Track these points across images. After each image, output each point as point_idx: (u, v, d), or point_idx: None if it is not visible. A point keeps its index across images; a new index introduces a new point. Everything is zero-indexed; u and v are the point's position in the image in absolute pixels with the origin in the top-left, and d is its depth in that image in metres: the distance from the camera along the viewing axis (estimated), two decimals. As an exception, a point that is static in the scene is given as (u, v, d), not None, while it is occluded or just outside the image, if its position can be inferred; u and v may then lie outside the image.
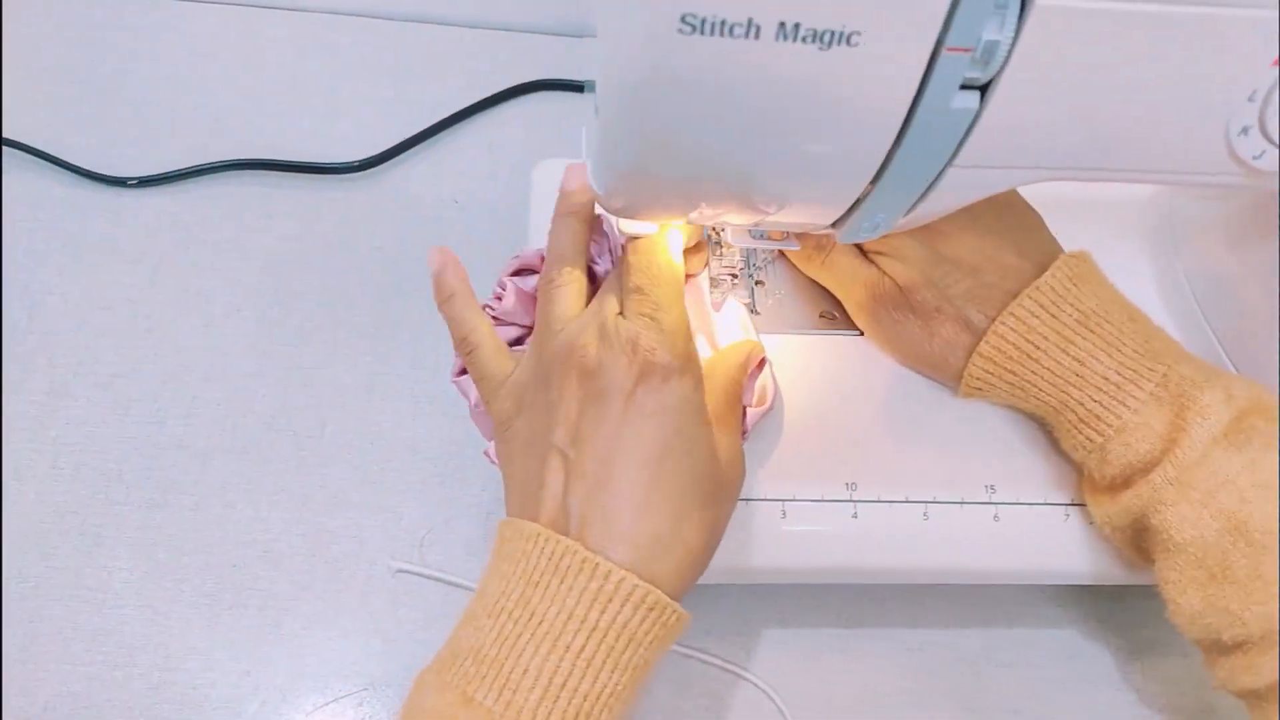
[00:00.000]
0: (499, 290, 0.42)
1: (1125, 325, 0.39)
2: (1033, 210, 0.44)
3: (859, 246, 0.45)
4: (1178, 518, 0.37)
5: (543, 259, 0.40)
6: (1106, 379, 0.38)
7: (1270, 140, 0.28)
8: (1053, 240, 0.43)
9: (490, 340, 0.39)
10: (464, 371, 0.41)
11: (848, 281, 0.45)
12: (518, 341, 0.42)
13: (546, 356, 0.36)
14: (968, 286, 0.42)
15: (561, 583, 0.32)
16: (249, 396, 0.53)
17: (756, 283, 0.48)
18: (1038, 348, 0.40)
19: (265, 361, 0.54)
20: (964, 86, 0.26)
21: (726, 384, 0.39)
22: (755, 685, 0.47)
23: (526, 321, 0.42)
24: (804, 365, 0.46)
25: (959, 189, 0.30)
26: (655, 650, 0.33)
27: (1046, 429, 0.43)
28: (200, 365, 0.53)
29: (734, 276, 0.45)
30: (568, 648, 0.31)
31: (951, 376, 0.44)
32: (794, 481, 0.43)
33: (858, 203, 0.31)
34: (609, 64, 0.26)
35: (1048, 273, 0.40)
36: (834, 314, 0.48)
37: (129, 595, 0.47)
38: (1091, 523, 0.43)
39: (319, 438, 0.52)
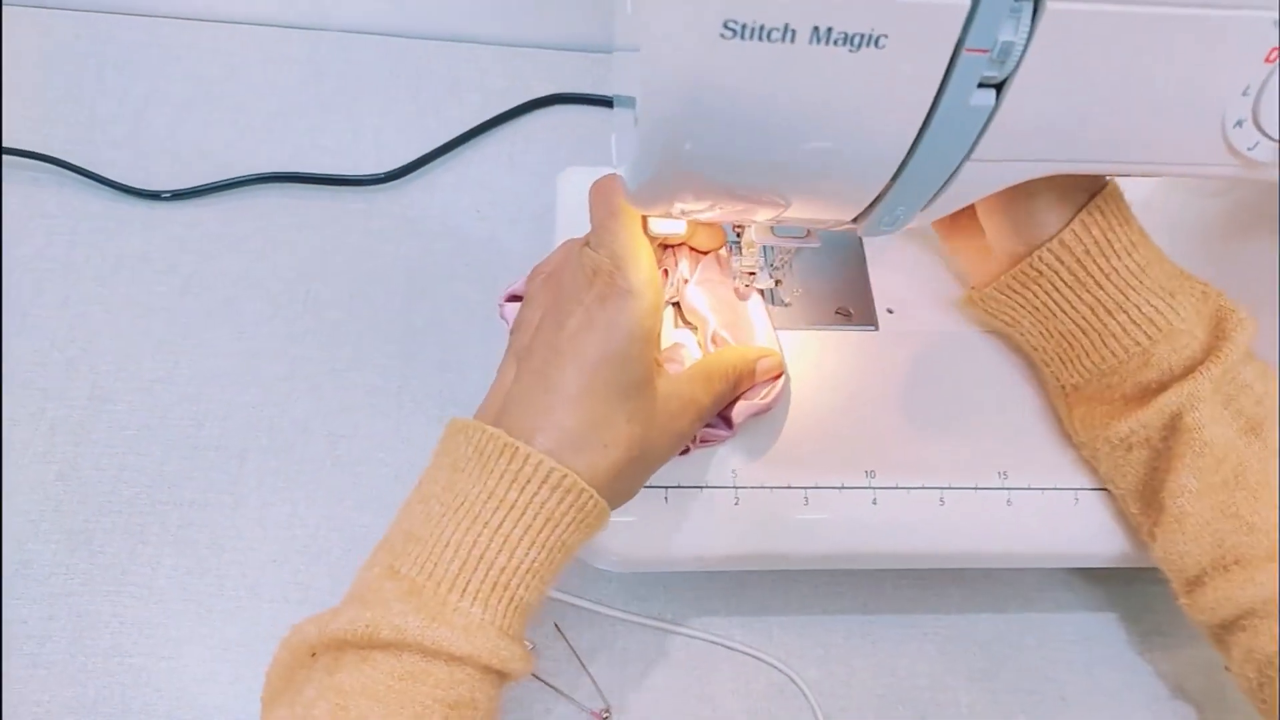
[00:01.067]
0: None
1: (1149, 250, 0.42)
2: None
3: None
4: (1209, 417, 0.40)
5: None
6: (1163, 286, 0.41)
7: (1263, 132, 0.30)
8: None
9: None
10: (512, 298, 0.44)
11: None
12: None
13: (532, 286, 0.41)
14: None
15: (483, 466, 0.35)
16: (283, 399, 0.54)
17: (775, 282, 0.50)
18: (1111, 246, 0.41)
19: (297, 365, 0.56)
20: (981, 85, 0.28)
21: (726, 362, 0.42)
22: (779, 670, 0.49)
23: None
24: (821, 359, 0.48)
25: (975, 182, 0.32)
26: (573, 533, 0.35)
27: (1072, 351, 0.44)
28: (235, 370, 0.55)
29: (753, 275, 0.47)
30: (486, 523, 0.34)
31: (1024, 248, 0.43)
32: (815, 470, 0.45)
33: (879, 197, 0.33)
34: (653, 70, 0.28)
35: (1111, 184, 0.42)
36: (849, 310, 0.50)
37: (173, 590, 0.48)
38: (1095, 496, 0.45)
39: (351, 438, 0.54)
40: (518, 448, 0.34)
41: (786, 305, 0.49)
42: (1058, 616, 0.51)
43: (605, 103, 0.68)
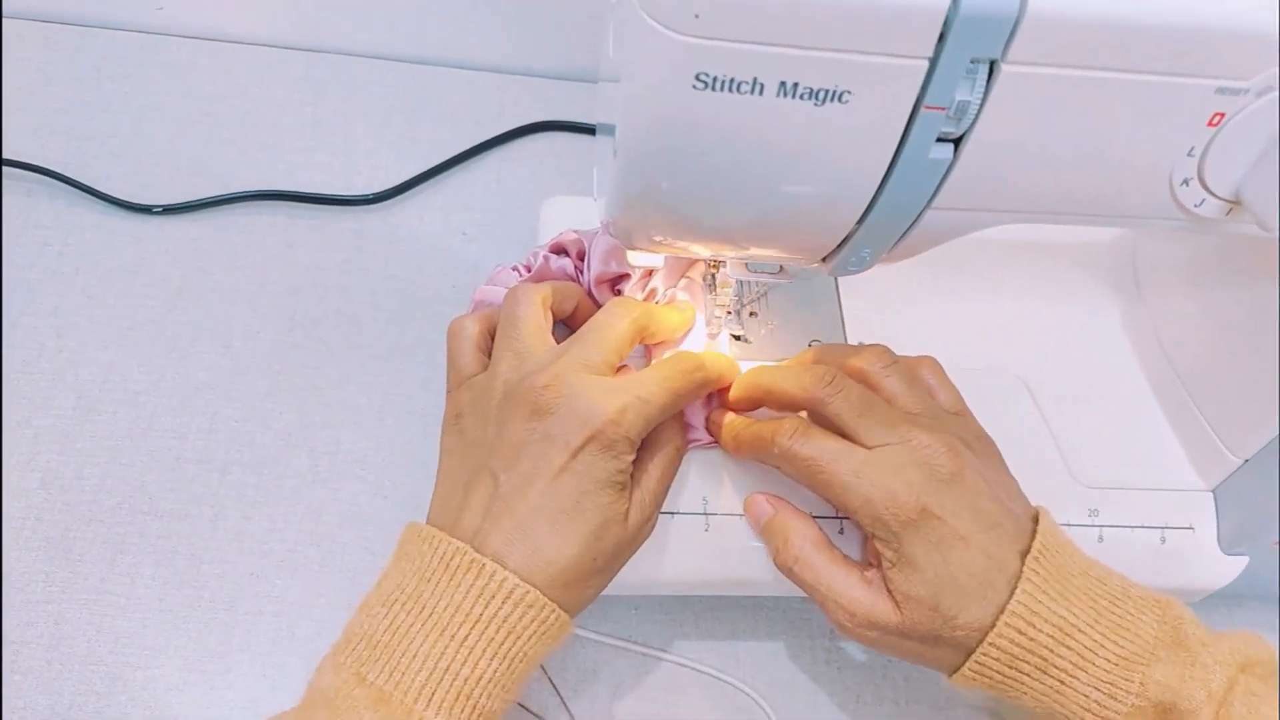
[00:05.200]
0: (530, 261, 0.45)
1: (1096, 629, 0.38)
2: (1004, 465, 0.42)
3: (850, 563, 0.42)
4: None
5: (574, 244, 0.46)
6: (1087, 696, 0.38)
7: (1209, 190, 0.32)
8: (1024, 501, 0.42)
9: (475, 337, 0.43)
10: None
11: (835, 594, 0.41)
12: None
13: (515, 377, 0.39)
14: (970, 617, 0.38)
15: (451, 579, 0.36)
16: (267, 414, 0.55)
17: (750, 314, 0.51)
18: (1021, 673, 0.38)
19: (282, 381, 0.56)
20: (940, 139, 0.30)
21: (669, 461, 0.42)
22: (746, 694, 0.49)
23: None
24: (794, 391, 0.49)
25: (937, 229, 0.34)
26: (535, 645, 0.36)
27: None
28: (220, 384, 0.56)
29: (728, 313, 0.48)
30: (453, 636, 0.35)
31: (937, 669, 0.42)
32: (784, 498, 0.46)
33: (847, 239, 0.34)
34: (630, 113, 0.30)
35: (1021, 583, 0.38)
36: (822, 343, 0.51)
37: (151, 600, 0.49)
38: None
39: (333, 454, 0.54)
40: (484, 564, 0.36)
41: (748, 343, 0.50)
42: (1019, 648, 0.52)
43: (592, 130, 0.69)
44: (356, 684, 0.34)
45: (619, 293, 0.47)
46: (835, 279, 0.54)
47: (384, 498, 0.53)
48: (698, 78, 0.28)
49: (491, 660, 0.35)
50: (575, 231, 0.47)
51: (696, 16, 0.26)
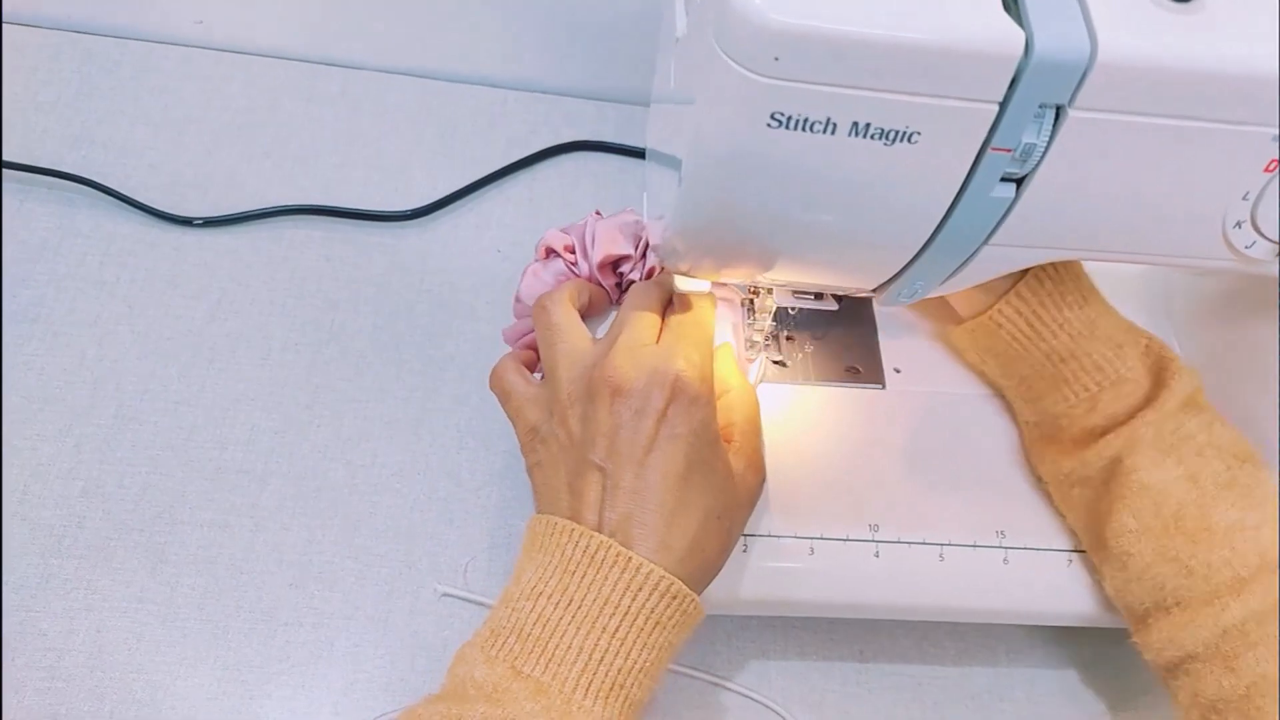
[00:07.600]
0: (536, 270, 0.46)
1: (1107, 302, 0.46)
2: None
3: None
4: (1148, 461, 0.43)
5: (564, 241, 0.46)
6: (1112, 338, 0.45)
7: (1261, 233, 0.33)
8: None
9: (516, 369, 0.44)
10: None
11: None
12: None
13: (576, 373, 0.40)
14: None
15: (598, 573, 0.37)
16: (305, 426, 0.56)
17: (787, 338, 0.52)
18: (1063, 298, 0.45)
19: (320, 394, 0.57)
20: (1003, 179, 0.31)
21: (746, 407, 0.44)
22: (776, 713, 0.50)
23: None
24: (831, 415, 0.50)
25: (991, 263, 0.35)
26: (677, 634, 0.38)
27: (1030, 393, 0.48)
28: (259, 396, 0.57)
29: (766, 339, 0.49)
30: (604, 629, 0.36)
31: (980, 309, 0.48)
32: (821, 521, 0.47)
33: (902, 271, 0.35)
34: (700, 147, 0.31)
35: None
36: (858, 368, 0.52)
37: (191, 610, 0.50)
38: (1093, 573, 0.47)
39: (370, 467, 0.55)
40: (630, 557, 0.36)
41: (785, 366, 0.51)
42: (1046, 672, 0.53)
43: (624, 151, 0.70)
44: (513, 677, 0.35)
45: (621, 274, 0.47)
46: (872, 303, 0.54)
47: (420, 512, 0.54)
48: (773, 116, 0.28)
49: (641, 650, 0.36)
50: (559, 229, 0.48)
51: (776, 59, 0.27)
